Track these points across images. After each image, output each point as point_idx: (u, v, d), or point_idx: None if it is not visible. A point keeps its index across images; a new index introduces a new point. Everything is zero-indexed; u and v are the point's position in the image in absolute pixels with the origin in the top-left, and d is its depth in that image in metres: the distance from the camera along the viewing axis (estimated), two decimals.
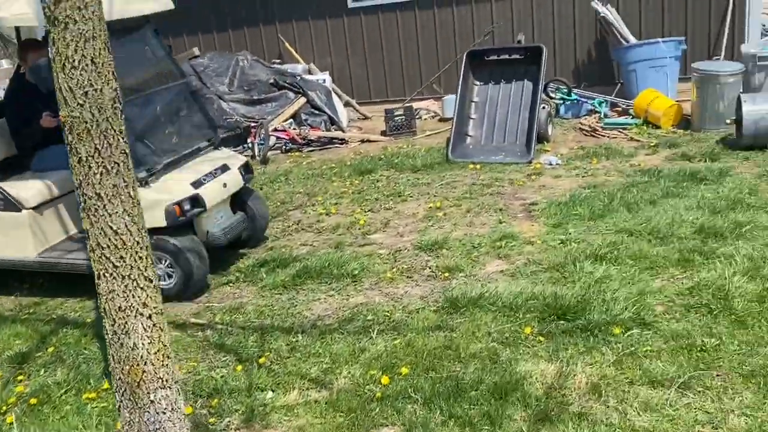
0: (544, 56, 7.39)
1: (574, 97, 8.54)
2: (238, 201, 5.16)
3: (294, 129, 8.63)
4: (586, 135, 7.90)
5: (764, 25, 13.69)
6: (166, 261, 4.58)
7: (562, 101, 8.58)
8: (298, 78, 9.12)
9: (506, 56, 7.68)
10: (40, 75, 4.37)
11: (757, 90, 7.41)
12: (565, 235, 4.86)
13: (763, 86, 7.41)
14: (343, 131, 8.81)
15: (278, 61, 9.97)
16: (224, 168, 4.93)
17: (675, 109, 7.66)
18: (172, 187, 4.52)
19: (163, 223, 4.40)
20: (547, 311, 3.70)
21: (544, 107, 7.80)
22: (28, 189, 4.74)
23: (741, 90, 7.40)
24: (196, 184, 4.62)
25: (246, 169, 5.15)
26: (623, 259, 4.31)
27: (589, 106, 8.54)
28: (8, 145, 5.21)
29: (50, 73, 2.58)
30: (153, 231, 4.10)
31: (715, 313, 3.51)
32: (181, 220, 4.45)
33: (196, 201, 4.54)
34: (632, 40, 8.44)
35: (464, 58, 7.79)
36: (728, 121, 6.86)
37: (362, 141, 8.54)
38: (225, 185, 4.86)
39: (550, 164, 6.93)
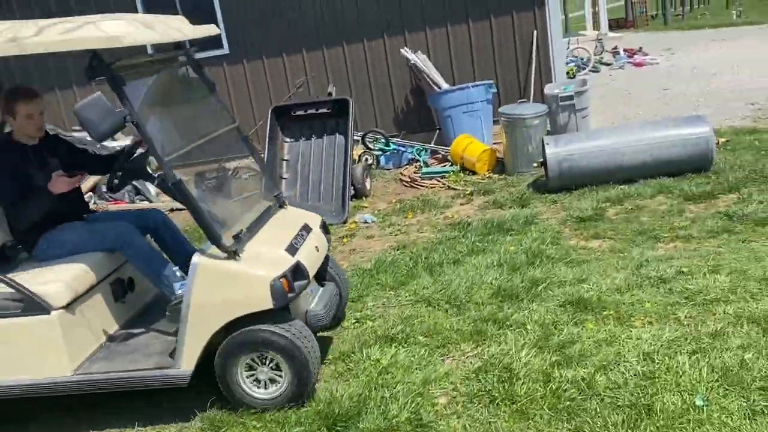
0: (351, 109, 7.08)
1: (392, 147, 8.32)
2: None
3: (94, 204, 7.78)
4: (405, 186, 7.66)
5: (581, 59, 14.45)
6: (269, 361, 3.34)
7: (381, 152, 8.32)
8: (98, 146, 8.27)
9: (313, 111, 7.31)
10: (93, 114, 3.02)
11: (563, 130, 7.48)
12: (362, 312, 4.43)
13: (568, 126, 7.50)
14: (151, 201, 8.05)
15: (77, 128, 9.06)
16: (307, 228, 3.85)
17: (488, 153, 7.59)
18: (267, 257, 3.36)
19: (269, 305, 3.21)
20: (317, 422, 3.19)
21: (365, 159, 7.46)
22: (53, 282, 3.39)
23: (547, 131, 7.46)
24: (291, 249, 3.48)
25: (325, 229, 4.10)
26: (416, 337, 3.92)
27: (409, 155, 8.34)
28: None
29: (108, 113, 2.55)
30: (243, 319, 3.26)
31: (497, 402, 3.16)
32: (291, 298, 3.28)
33: (299, 271, 3.37)
34: (444, 85, 8.36)
35: (269, 114, 7.34)
36: (536, 164, 6.82)
37: (172, 210, 7.81)
38: (317, 249, 3.77)
39: (366, 222, 6.57)
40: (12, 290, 3.34)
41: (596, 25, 22.40)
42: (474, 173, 7.50)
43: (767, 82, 10.39)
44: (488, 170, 7.54)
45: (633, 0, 34.61)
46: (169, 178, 3.18)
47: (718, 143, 6.78)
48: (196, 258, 3.24)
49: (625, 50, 15.73)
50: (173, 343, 3.36)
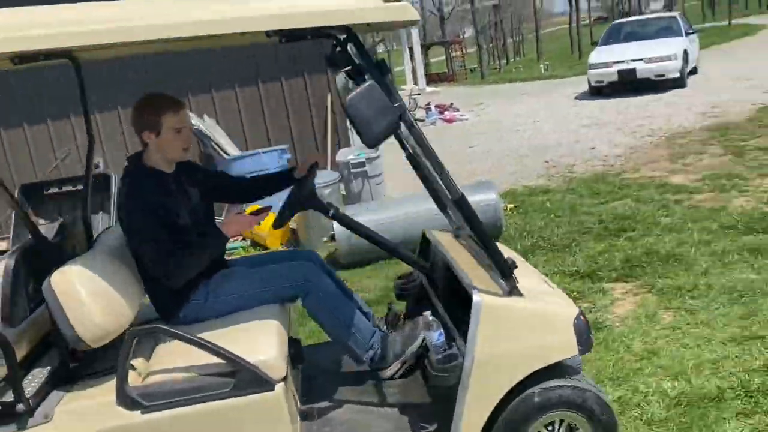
0: (113, 185, 6.18)
1: None
2: None
3: None
4: None
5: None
6: (561, 426, 2.56)
7: None
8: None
9: (71, 187, 6.32)
10: (369, 109, 2.17)
11: (357, 198, 7.06)
12: None
13: (362, 194, 7.09)
14: None
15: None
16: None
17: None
18: (538, 290, 2.64)
19: (573, 351, 2.51)
20: None
21: None
22: (265, 348, 2.49)
23: (344, 200, 7.00)
24: (543, 281, 2.84)
25: None
26: None
27: None
28: (139, 293, 2.77)
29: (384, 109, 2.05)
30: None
31: None
32: (592, 343, 2.58)
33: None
34: (233, 152, 7.69)
35: (17, 194, 6.25)
36: (325, 238, 6.29)
37: None
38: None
39: None
40: (216, 363, 2.41)
41: (416, 80, 22.97)
42: (266, 248, 6.84)
43: (564, 137, 10.77)
44: (282, 244, 6.92)
45: (452, 55, 36.57)
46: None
47: (506, 209, 6.63)
48: (478, 297, 2.40)
49: (436, 106, 16.01)
50: (408, 421, 2.65)
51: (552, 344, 2.50)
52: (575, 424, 2.57)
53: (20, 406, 2.24)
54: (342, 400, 2.86)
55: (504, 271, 2.47)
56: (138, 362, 2.48)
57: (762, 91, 11.93)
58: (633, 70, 13.82)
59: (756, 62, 16.45)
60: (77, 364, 2.57)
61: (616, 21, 18.76)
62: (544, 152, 9.88)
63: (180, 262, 2.63)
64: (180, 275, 2.66)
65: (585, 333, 2.53)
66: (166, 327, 2.47)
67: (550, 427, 2.57)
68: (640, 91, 14.01)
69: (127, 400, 2.31)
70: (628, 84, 14.00)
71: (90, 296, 2.35)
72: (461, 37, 49.92)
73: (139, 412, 2.30)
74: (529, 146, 10.65)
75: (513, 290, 2.48)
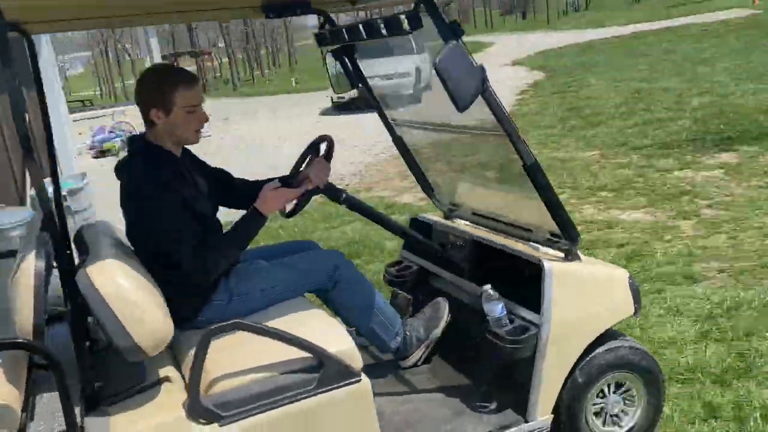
0: None
1: None
2: None
3: None
4: None
5: (125, 133, 13.27)
6: (623, 389, 2.64)
7: None
8: None
9: None
10: (459, 71, 1.99)
11: None
12: None
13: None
14: None
15: None
16: None
17: None
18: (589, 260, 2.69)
19: (630, 311, 2.59)
20: None
21: None
22: (340, 338, 2.24)
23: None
24: None
25: None
26: None
27: None
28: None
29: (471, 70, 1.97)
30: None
31: None
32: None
33: None
34: None
35: None
36: None
37: None
38: None
39: None
40: (294, 359, 2.13)
41: None
42: None
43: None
44: None
45: (204, 66, 35.36)
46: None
47: None
48: (548, 264, 2.40)
49: None
50: (464, 404, 2.57)
51: (614, 305, 2.58)
52: (626, 383, 2.64)
53: None
54: (382, 393, 2.63)
55: (572, 234, 2.43)
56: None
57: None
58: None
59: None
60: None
61: None
62: (283, 172, 9.61)
63: (215, 256, 2.33)
64: (213, 271, 2.36)
65: (637, 293, 2.62)
66: (245, 322, 2.19)
67: (613, 390, 2.63)
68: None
69: (201, 412, 2.01)
70: (368, 100, 14.34)
71: (143, 297, 2.02)
72: (215, 47, 48.71)
73: (216, 425, 2.02)
74: (271, 165, 10.33)
75: (573, 255, 2.49)
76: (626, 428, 2.67)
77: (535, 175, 2.32)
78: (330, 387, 2.16)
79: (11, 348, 1.89)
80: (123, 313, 1.94)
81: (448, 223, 3.14)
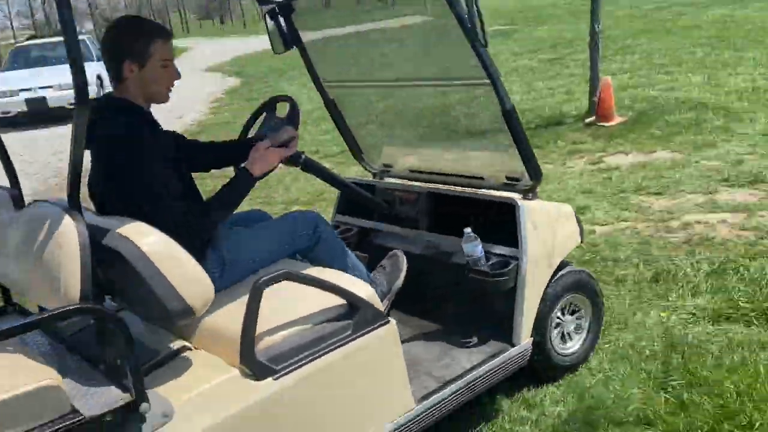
0: None
1: None
2: None
3: None
4: None
5: None
6: (578, 311, 3.06)
7: None
8: None
9: None
10: None
11: None
12: None
13: None
14: None
15: None
16: None
17: None
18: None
19: (578, 240, 3.05)
20: None
21: None
22: (359, 284, 2.33)
23: None
24: None
25: None
26: None
27: None
28: None
29: None
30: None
31: None
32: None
33: None
34: None
35: None
36: None
37: None
38: None
39: None
40: (328, 308, 2.20)
41: None
42: None
43: None
44: None
45: None
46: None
47: None
48: (519, 202, 2.76)
49: None
50: (448, 343, 2.79)
51: (569, 234, 2.95)
52: (579, 306, 3.04)
53: (145, 405, 1.74)
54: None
55: (538, 173, 2.70)
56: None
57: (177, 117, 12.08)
58: (43, 99, 12.49)
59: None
60: None
61: (22, 43, 17.01)
62: None
63: (203, 220, 2.26)
64: (202, 234, 2.30)
65: (581, 224, 3.03)
66: (293, 272, 2.16)
67: (577, 312, 3.03)
68: (56, 121, 12.73)
69: (257, 368, 1.98)
70: (40, 115, 12.62)
71: (187, 255, 1.93)
72: None
73: (271, 379, 2.00)
74: None
75: (534, 194, 2.81)
76: (580, 341, 3.07)
77: (512, 118, 2.54)
78: (365, 331, 2.22)
79: (75, 314, 1.78)
80: (173, 272, 1.86)
81: (394, 181, 3.34)
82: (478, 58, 2.42)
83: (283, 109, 2.78)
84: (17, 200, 2.22)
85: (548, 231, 2.84)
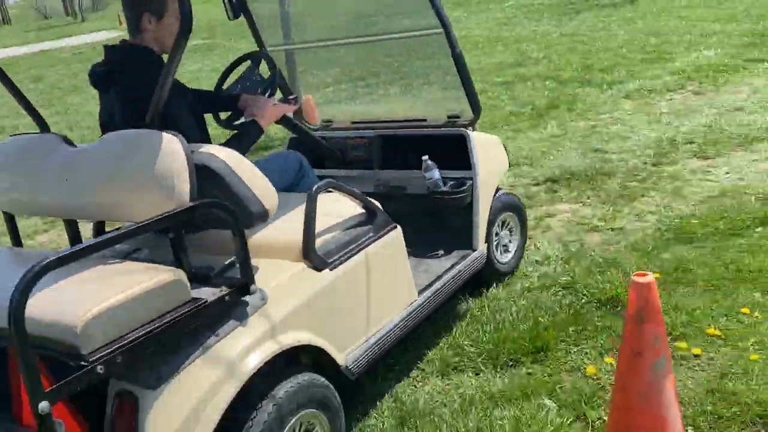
0: None
1: None
2: None
3: None
4: None
5: None
6: (510, 227, 3.67)
7: None
8: None
9: None
10: None
11: None
12: None
13: None
14: None
15: None
16: None
17: None
18: None
19: (507, 166, 3.69)
20: None
21: None
22: (363, 199, 2.73)
23: None
24: None
25: None
26: None
27: None
28: None
29: None
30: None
31: None
32: None
33: None
34: None
35: None
36: None
37: None
38: None
39: None
40: (357, 214, 2.69)
41: None
42: None
43: None
44: None
45: None
46: None
47: None
48: (471, 133, 3.28)
49: None
50: (420, 261, 3.21)
51: (500, 161, 3.50)
52: (508, 220, 3.58)
53: (254, 287, 2.10)
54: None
55: (479, 107, 3.23)
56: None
57: None
58: None
59: None
60: None
61: None
62: None
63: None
64: None
65: (507, 152, 3.59)
66: (334, 182, 2.56)
67: (508, 227, 3.60)
68: None
69: (317, 261, 2.39)
70: None
71: (253, 165, 2.22)
72: None
73: (328, 270, 2.41)
74: None
75: (474, 127, 3.32)
76: (512, 252, 3.65)
77: (460, 59, 3.06)
78: (383, 233, 2.69)
79: (207, 207, 2.00)
80: (251, 181, 2.13)
81: (346, 132, 3.66)
82: (433, 7, 2.85)
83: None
84: (68, 141, 2.34)
85: (489, 156, 3.37)
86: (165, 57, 2.19)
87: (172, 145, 1.99)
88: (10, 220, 2.51)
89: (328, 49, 3.96)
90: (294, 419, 2.13)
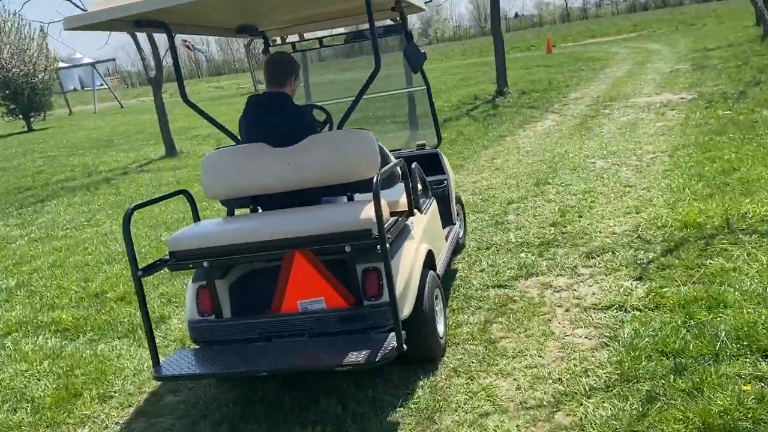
0: None
1: None
2: None
3: None
4: None
5: None
6: (459, 213, 5.07)
7: None
8: None
9: None
10: None
11: None
12: None
13: None
14: None
15: None
16: None
17: None
18: None
19: (453, 176, 5.18)
20: None
21: None
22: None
23: None
24: None
25: None
26: None
27: None
28: None
29: None
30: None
31: None
32: None
33: None
34: None
35: None
36: None
37: None
38: None
39: None
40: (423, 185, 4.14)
41: None
42: None
43: None
44: None
45: None
46: None
47: None
48: (438, 152, 4.83)
49: None
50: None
51: (450, 170, 4.90)
52: (458, 211, 5.02)
53: (416, 211, 3.50)
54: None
55: (440, 137, 4.89)
56: None
57: None
58: None
59: None
60: None
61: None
62: None
63: None
64: None
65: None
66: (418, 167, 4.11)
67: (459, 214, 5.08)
68: None
69: (419, 208, 3.75)
70: None
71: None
72: None
73: (421, 213, 3.79)
74: None
75: (439, 144, 4.90)
76: (462, 230, 5.01)
77: (433, 104, 4.78)
78: (432, 199, 4.16)
79: (395, 167, 3.41)
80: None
81: None
82: (423, 76, 4.47)
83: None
84: (273, 144, 3.47)
85: (448, 166, 4.89)
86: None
87: (366, 133, 3.36)
88: (230, 206, 3.65)
89: (337, 104, 5.30)
90: (436, 289, 3.49)
